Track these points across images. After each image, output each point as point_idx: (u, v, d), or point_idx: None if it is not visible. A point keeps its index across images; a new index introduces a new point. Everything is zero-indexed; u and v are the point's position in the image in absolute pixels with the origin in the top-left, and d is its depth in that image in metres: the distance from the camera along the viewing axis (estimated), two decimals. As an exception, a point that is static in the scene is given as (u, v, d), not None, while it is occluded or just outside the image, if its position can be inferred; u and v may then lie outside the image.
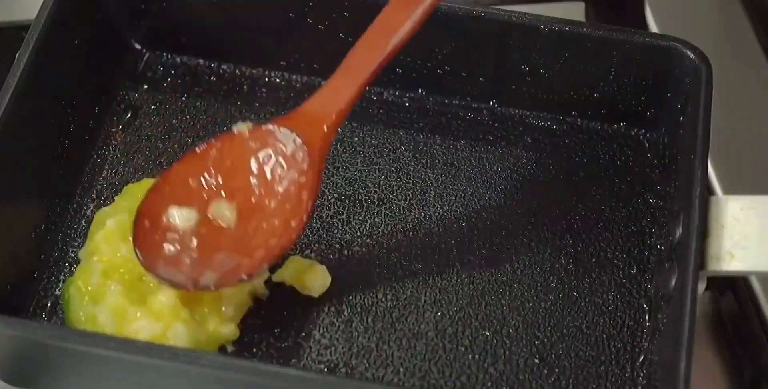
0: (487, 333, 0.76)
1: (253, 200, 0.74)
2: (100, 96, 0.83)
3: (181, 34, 0.85)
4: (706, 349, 0.81)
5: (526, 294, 0.78)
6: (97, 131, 0.83)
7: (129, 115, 0.85)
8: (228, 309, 0.74)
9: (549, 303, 0.77)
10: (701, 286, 0.71)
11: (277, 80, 0.87)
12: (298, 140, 0.73)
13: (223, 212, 0.74)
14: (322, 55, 0.84)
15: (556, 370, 0.75)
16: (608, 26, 0.81)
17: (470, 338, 0.76)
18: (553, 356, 0.75)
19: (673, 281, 0.73)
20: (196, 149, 0.75)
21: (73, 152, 0.80)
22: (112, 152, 0.83)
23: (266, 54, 0.86)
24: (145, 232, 0.73)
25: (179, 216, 0.73)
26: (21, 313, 0.74)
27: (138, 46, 0.86)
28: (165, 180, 0.75)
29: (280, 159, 0.74)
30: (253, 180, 0.74)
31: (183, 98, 0.86)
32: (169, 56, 0.87)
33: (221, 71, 0.87)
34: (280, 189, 0.73)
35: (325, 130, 0.73)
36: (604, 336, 0.76)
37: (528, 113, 0.85)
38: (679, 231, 0.74)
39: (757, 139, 0.90)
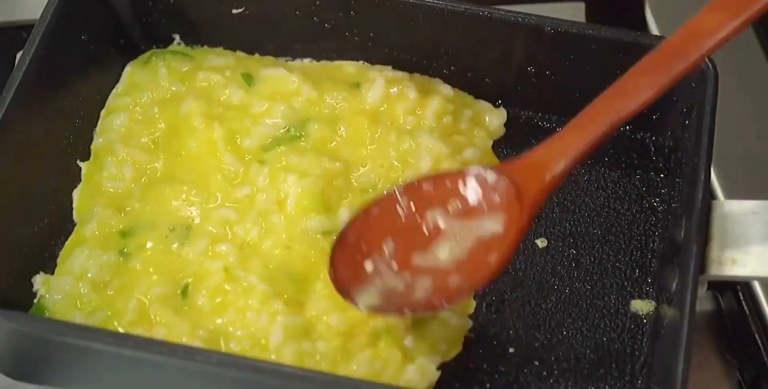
0: (488, 333, 0.76)
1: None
2: (105, 94, 0.83)
3: (188, 32, 0.86)
4: (706, 349, 0.81)
5: (526, 295, 0.77)
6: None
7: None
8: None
9: (549, 305, 0.77)
10: (701, 290, 0.71)
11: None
12: (511, 188, 0.69)
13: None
14: (327, 53, 0.85)
15: (556, 372, 0.75)
16: (614, 29, 0.80)
17: (470, 338, 0.76)
18: (553, 358, 0.75)
19: (674, 285, 0.73)
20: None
21: (78, 149, 0.81)
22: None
23: (274, 51, 0.86)
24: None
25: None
26: (22, 307, 0.75)
27: (145, 44, 0.86)
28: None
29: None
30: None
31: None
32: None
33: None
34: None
35: (547, 180, 0.69)
36: (605, 338, 0.76)
37: (533, 115, 0.85)
38: (681, 235, 0.74)
39: (759, 143, 0.89)
